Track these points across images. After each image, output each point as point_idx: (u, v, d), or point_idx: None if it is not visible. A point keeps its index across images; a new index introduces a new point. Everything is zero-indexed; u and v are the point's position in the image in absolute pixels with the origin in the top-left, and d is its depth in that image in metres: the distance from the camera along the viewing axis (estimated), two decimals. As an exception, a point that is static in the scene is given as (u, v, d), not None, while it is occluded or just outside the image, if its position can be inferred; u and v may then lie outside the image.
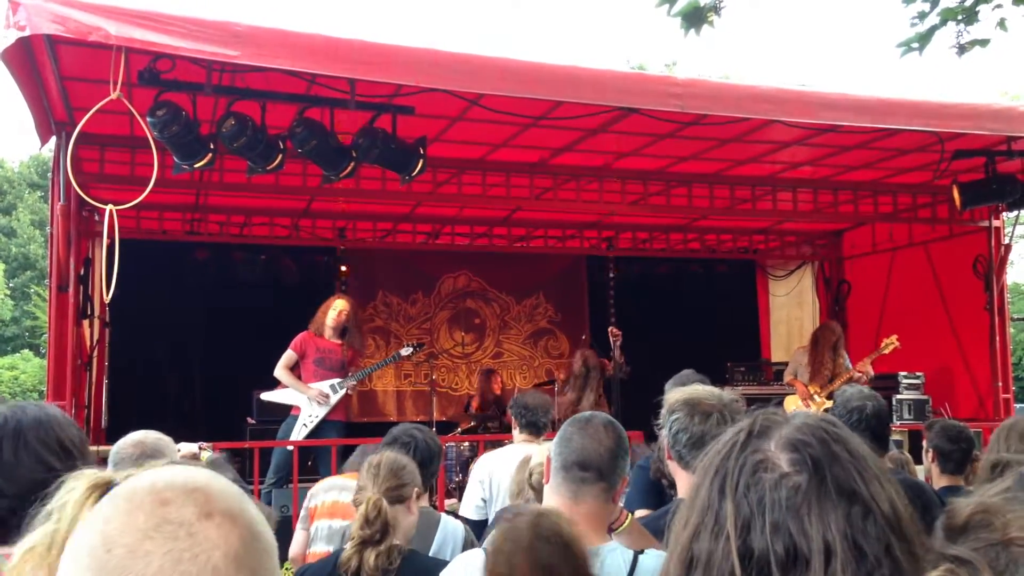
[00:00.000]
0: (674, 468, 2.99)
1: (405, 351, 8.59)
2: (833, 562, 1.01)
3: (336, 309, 7.71)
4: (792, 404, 8.95)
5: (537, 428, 4.94)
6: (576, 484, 2.38)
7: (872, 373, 8.54)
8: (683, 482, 2.96)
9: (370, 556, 2.76)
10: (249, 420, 9.23)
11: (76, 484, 1.03)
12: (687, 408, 2.96)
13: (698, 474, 1.17)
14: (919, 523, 1.10)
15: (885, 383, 9.39)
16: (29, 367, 27.04)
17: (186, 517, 0.86)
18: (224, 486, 0.93)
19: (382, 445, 3.80)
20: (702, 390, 3.11)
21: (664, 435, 2.99)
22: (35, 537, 1.02)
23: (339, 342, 7.74)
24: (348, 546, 2.83)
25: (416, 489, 3.04)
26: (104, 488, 1.00)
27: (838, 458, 1.08)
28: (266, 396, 7.92)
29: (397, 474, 3.01)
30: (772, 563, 1.03)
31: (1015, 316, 13.59)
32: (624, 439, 2.50)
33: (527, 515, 2.20)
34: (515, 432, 5.03)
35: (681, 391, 3.08)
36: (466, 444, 8.70)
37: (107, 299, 5.57)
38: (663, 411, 3.03)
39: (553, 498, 2.43)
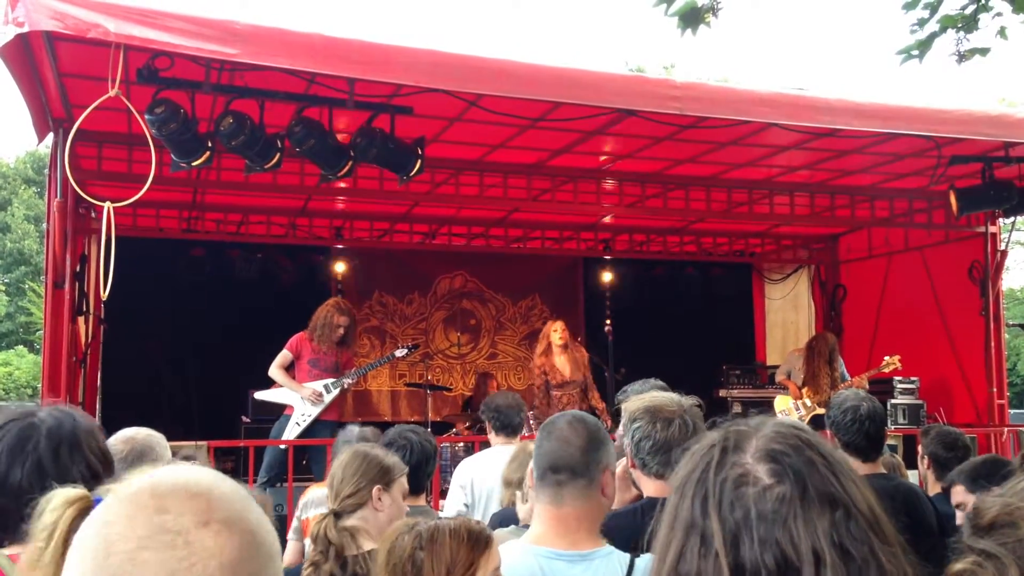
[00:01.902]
0: (638, 476, 3.00)
1: (400, 352, 8.60)
2: (823, 570, 1.02)
3: (341, 327, 7.72)
4: (782, 404, 8.97)
5: (511, 429, 4.94)
6: (554, 488, 2.38)
7: (867, 387, 8.56)
8: (648, 489, 2.97)
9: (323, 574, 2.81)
10: (244, 419, 9.22)
11: (53, 501, 1.03)
12: (648, 416, 2.95)
13: (675, 492, 1.16)
14: (894, 522, 1.12)
15: (880, 387, 9.41)
16: (23, 363, 26.96)
17: (184, 525, 0.86)
18: (227, 491, 0.92)
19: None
20: (662, 396, 3.12)
21: (626, 444, 2.99)
22: (24, 556, 1.03)
23: (334, 347, 7.77)
24: (304, 564, 2.89)
25: (377, 487, 3.03)
26: (82, 506, 1.01)
27: (814, 464, 1.10)
28: (260, 395, 7.93)
29: (349, 480, 3.02)
30: (763, 575, 1.04)
31: (1010, 322, 13.61)
32: (596, 431, 2.48)
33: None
34: (491, 435, 5.03)
35: (640, 399, 3.09)
36: (461, 444, 8.70)
37: (104, 296, 5.54)
38: (623, 421, 3.04)
39: (537, 507, 2.44)
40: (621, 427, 3.08)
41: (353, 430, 4.46)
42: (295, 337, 7.71)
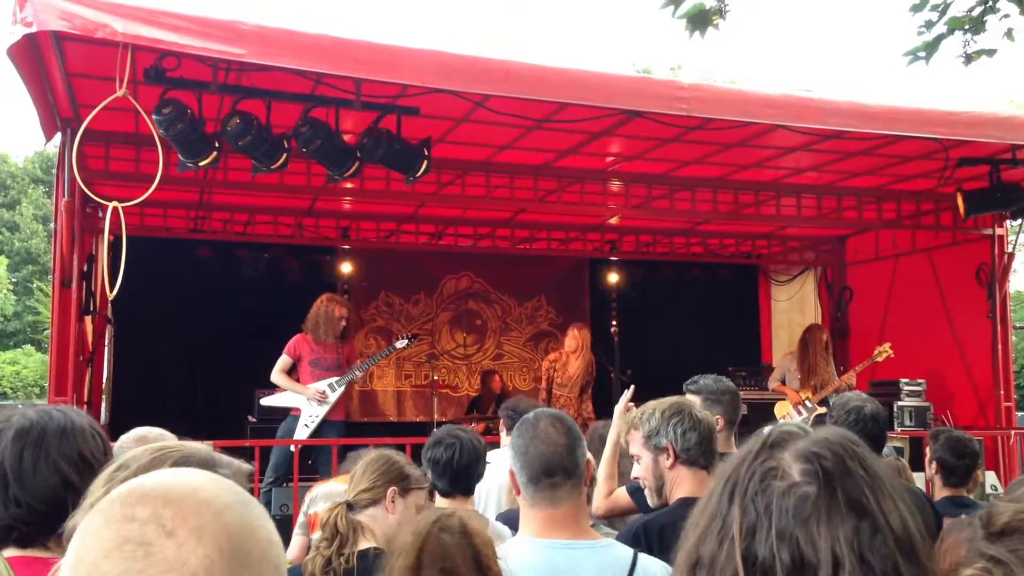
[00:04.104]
0: (678, 473, 3.02)
1: (400, 343, 8.60)
2: (841, 573, 1.01)
3: (341, 318, 7.72)
4: (783, 410, 8.94)
5: None
6: (549, 491, 2.40)
7: (854, 383, 8.57)
8: (685, 483, 3.00)
9: (320, 560, 2.84)
10: (250, 418, 9.24)
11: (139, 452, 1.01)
12: (685, 410, 3.06)
13: (713, 480, 1.18)
14: (930, 545, 1.09)
15: (886, 389, 9.39)
16: (31, 362, 27.05)
17: (147, 536, 0.83)
18: (207, 497, 0.88)
19: (427, 447, 3.74)
20: (676, 397, 3.25)
21: (663, 442, 3.02)
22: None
23: (334, 342, 7.75)
24: (311, 548, 2.95)
25: (393, 489, 3.04)
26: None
27: (852, 473, 1.08)
28: (266, 401, 7.94)
29: (370, 475, 3.05)
30: (777, 570, 1.03)
31: (1017, 324, 13.57)
32: (573, 427, 2.52)
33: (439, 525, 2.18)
34: (503, 435, 5.02)
35: (658, 401, 3.16)
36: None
37: (111, 296, 5.56)
38: (651, 423, 3.07)
39: (531, 511, 2.44)
40: (647, 428, 3.09)
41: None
42: (293, 340, 7.71)
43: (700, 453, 3.00)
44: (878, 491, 1.07)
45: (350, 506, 2.99)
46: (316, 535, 4.25)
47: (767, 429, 1.18)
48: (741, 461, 1.14)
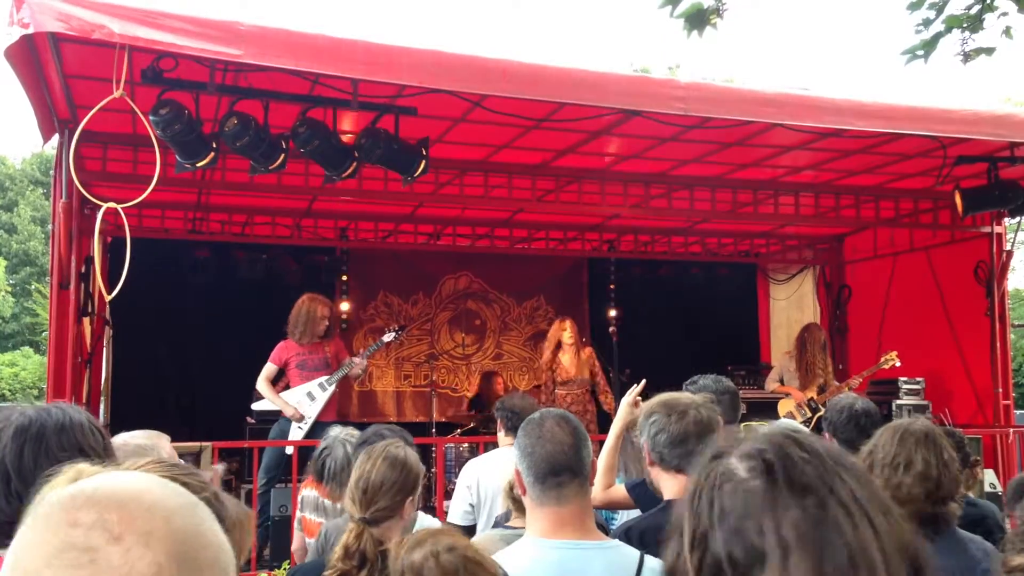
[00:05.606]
0: (656, 473, 3.02)
1: (388, 337, 8.60)
2: (790, 558, 1.05)
3: (323, 318, 7.72)
4: (786, 407, 8.93)
5: None
6: (556, 491, 2.41)
7: (856, 384, 8.60)
8: (668, 488, 2.99)
9: None
10: (248, 420, 9.23)
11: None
12: (664, 409, 3.03)
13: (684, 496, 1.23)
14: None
15: (885, 388, 9.40)
16: (29, 364, 27.00)
17: (92, 542, 0.79)
18: (155, 500, 0.84)
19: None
20: (676, 393, 3.23)
21: (643, 440, 3.04)
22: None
23: (318, 340, 7.74)
24: (328, 572, 2.78)
25: (410, 499, 2.97)
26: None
27: (792, 458, 1.13)
28: (257, 406, 7.94)
29: (387, 493, 2.91)
30: (725, 565, 1.08)
31: (1016, 322, 13.58)
32: (579, 427, 2.53)
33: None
34: (500, 435, 5.00)
35: (657, 397, 3.15)
36: (465, 445, 8.71)
37: (108, 298, 5.55)
38: (640, 419, 3.08)
39: (537, 510, 2.45)
40: (638, 426, 3.11)
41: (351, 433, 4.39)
42: (277, 347, 7.70)
43: (673, 455, 2.91)
44: (821, 467, 1.12)
45: (367, 522, 2.85)
46: (313, 541, 4.24)
47: (720, 440, 1.24)
48: (700, 470, 1.19)
